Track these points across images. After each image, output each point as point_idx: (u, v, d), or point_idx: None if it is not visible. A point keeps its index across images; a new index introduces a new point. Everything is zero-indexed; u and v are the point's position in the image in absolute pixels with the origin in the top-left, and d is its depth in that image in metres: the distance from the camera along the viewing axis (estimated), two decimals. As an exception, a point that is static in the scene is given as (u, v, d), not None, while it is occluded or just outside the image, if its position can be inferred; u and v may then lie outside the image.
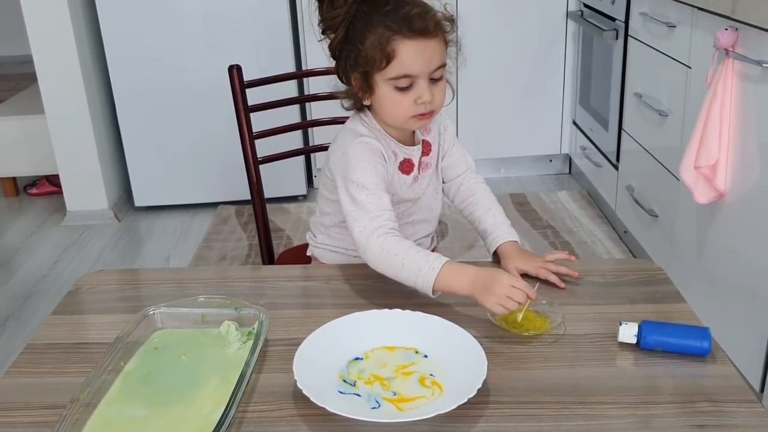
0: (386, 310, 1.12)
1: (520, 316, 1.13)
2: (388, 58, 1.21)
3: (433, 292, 1.17)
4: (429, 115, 1.27)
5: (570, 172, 3.66)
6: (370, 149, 1.28)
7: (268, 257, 1.76)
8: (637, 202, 2.59)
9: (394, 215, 1.25)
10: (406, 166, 1.34)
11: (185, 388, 0.99)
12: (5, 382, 1.04)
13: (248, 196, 1.72)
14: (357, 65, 1.24)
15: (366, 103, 1.29)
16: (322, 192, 1.42)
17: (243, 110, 1.65)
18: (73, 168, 3.26)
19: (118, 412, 0.95)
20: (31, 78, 3.45)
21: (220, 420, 0.88)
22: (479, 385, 0.94)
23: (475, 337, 1.05)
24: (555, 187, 3.53)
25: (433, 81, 1.24)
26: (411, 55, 1.20)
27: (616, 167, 2.88)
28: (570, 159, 3.62)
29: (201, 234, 3.19)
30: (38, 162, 3.50)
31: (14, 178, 3.67)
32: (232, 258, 2.95)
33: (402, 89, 1.23)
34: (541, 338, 1.10)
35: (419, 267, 1.16)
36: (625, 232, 2.86)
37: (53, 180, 3.57)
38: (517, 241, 1.32)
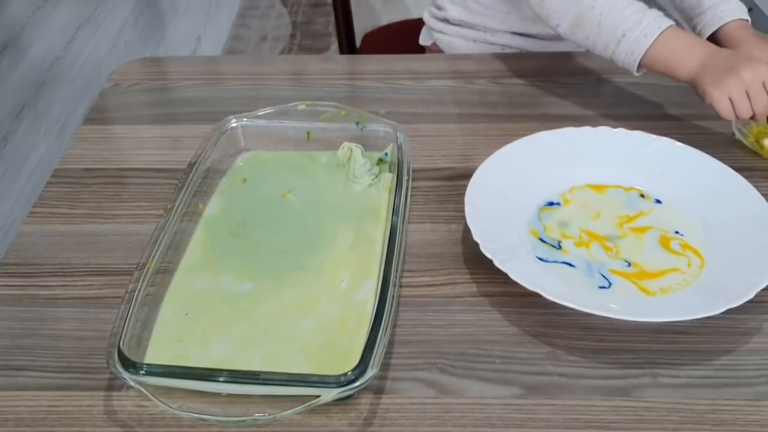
0: (587, 128, 0.74)
1: (767, 142, 0.76)
2: None
3: (638, 68, 0.79)
4: None
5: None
6: None
7: (348, 41, 1.32)
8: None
9: None
10: None
11: (303, 248, 0.65)
12: (31, 230, 0.70)
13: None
14: None
15: None
16: None
17: None
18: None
19: (206, 284, 0.62)
20: None
21: (378, 308, 0.55)
22: (777, 258, 0.60)
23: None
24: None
25: None
26: None
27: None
28: None
29: (234, 9, 2.72)
30: None
31: (8, -60, 3.11)
32: (274, 39, 2.52)
33: None
34: (823, 174, 0.74)
35: (624, 30, 0.77)
36: (750, 9, 2.36)
37: (54, -58, 3.01)
38: (748, 21, 0.90)
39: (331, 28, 2.49)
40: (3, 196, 1.89)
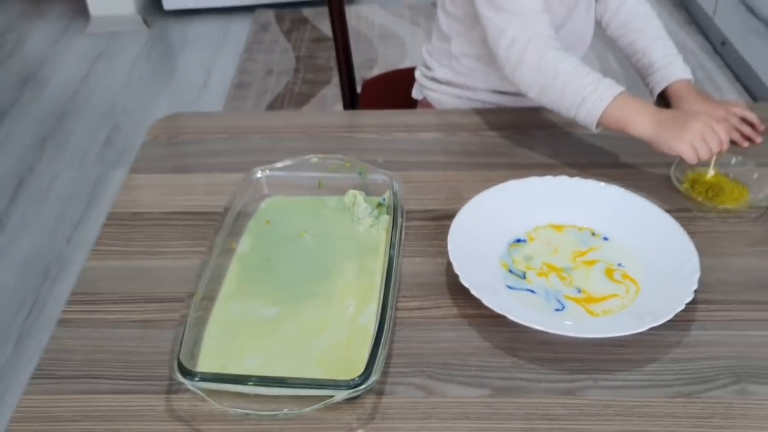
0: (549, 177, 0.90)
1: (711, 172, 0.92)
2: None
3: (597, 125, 0.94)
4: None
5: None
6: None
7: (348, 74, 1.45)
8: (749, 9, 2.24)
9: (549, 20, 0.98)
10: None
11: (317, 279, 0.81)
12: (95, 266, 0.85)
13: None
14: None
15: None
16: (444, 6, 1.13)
17: None
18: (93, -34, 2.89)
19: (241, 309, 0.78)
20: None
21: (378, 329, 0.70)
22: (695, 285, 0.75)
23: (665, 214, 0.85)
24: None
25: None
26: None
27: (719, -33, 2.49)
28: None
29: (240, 43, 2.89)
30: (51, -42, 3.11)
31: (26, -23, 3.29)
32: (280, 73, 2.68)
33: None
34: (741, 213, 0.89)
35: (584, 97, 0.92)
36: (723, 43, 2.53)
37: (70, -21, 3.19)
38: (691, 80, 1.06)
39: (333, 62, 2.66)
40: (29, 224, 2.04)
